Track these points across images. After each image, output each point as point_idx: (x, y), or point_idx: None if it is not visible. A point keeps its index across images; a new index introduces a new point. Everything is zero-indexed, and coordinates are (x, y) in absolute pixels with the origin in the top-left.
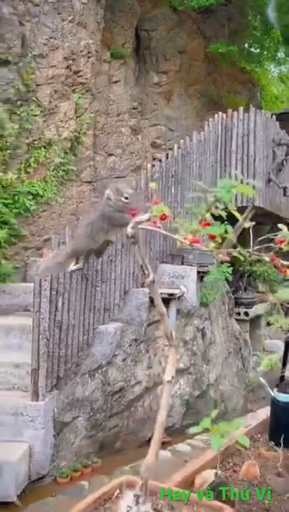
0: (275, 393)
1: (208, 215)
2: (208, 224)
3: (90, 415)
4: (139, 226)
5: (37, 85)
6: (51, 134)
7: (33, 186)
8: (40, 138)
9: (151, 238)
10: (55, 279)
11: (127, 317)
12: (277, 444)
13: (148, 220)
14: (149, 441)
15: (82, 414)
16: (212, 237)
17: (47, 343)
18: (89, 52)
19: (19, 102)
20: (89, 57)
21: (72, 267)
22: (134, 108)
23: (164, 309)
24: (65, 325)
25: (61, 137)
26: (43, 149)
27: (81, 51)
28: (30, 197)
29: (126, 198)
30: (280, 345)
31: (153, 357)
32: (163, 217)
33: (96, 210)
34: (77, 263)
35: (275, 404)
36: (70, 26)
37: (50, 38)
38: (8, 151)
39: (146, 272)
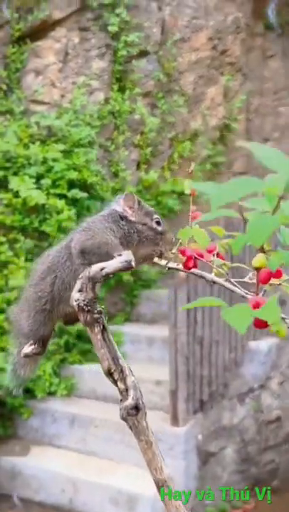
0: None
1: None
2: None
3: (240, 446)
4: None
5: (179, 73)
6: (197, 125)
7: (177, 184)
8: (184, 130)
9: None
10: (193, 288)
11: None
12: None
13: (124, 269)
14: None
15: (231, 445)
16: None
17: (186, 362)
18: (238, 28)
19: (160, 94)
20: (238, 32)
21: (27, 348)
22: None
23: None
24: (207, 341)
25: (208, 127)
26: (187, 142)
27: (228, 28)
28: (175, 196)
29: (158, 223)
30: None
31: None
32: (189, 261)
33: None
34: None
35: None
36: (215, 1)
37: (193, 18)
38: (150, 149)
39: (120, 385)
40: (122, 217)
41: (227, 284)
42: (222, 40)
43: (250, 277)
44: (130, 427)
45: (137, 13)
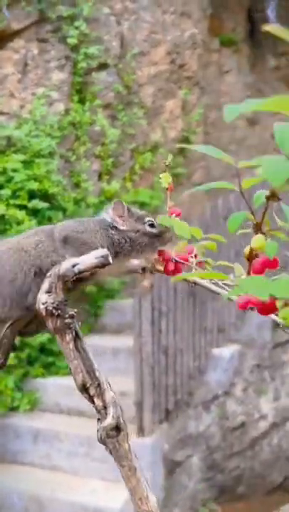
0: None
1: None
2: None
3: (205, 454)
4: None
5: (139, 86)
6: (157, 137)
7: (138, 195)
8: (144, 142)
9: None
10: (157, 297)
11: (246, 338)
12: None
13: (101, 265)
14: (280, 486)
15: (197, 453)
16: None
17: (151, 372)
18: (194, 43)
19: (120, 106)
20: (195, 48)
21: None
22: (249, 97)
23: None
24: (172, 349)
25: (168, 138)
26: (148, 154)
27: (185, 43)
28: (136, 206)
29: (151, 226)
30: None
31: (280, 386)
32: (168, 264)
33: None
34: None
35: None
36: (173, 18)
37: (151, 33)
38: (111, 160)
39: (97, 402)
40: (112, 227)
41: (209, 285)
42: (180, 55)
43: (232, 279)
44: (110, 451)
45: (96, 26)
